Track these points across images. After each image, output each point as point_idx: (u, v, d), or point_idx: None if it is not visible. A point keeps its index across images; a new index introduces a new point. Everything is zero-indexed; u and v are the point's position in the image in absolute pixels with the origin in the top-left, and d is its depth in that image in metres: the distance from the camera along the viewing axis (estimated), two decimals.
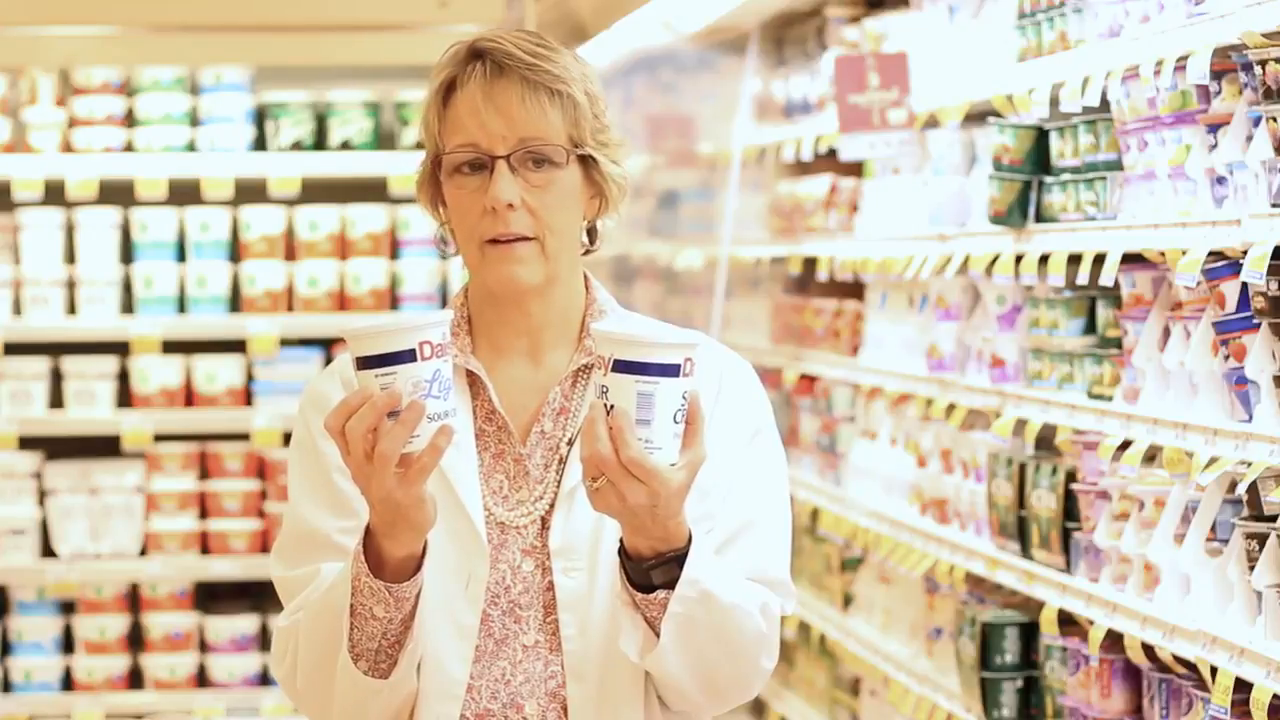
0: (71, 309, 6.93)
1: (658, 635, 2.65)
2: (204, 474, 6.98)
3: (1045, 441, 4.68)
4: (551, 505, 2.78)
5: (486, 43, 2.76)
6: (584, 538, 2.76)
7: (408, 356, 2.53)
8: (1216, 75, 3.71)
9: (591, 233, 2.85)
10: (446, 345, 2.57)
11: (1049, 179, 4.53)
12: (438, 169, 2.79)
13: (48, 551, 6.91)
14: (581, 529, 2.76)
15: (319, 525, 2.79)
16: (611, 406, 2.53)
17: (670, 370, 2.53)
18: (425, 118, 2.80)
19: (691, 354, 2.54)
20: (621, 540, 2.64)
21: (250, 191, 6.94)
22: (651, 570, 2.63)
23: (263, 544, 6.85)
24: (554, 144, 2.74)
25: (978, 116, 5.03)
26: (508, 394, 2.81)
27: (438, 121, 2.77)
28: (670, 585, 2.63)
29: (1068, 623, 4.44)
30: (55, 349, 6.92)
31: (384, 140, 7.07)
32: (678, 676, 2.70)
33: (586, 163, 2.78)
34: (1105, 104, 4.19)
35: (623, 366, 2.52)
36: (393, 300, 6.96)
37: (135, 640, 6.98)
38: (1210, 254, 3.72)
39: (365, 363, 2.54)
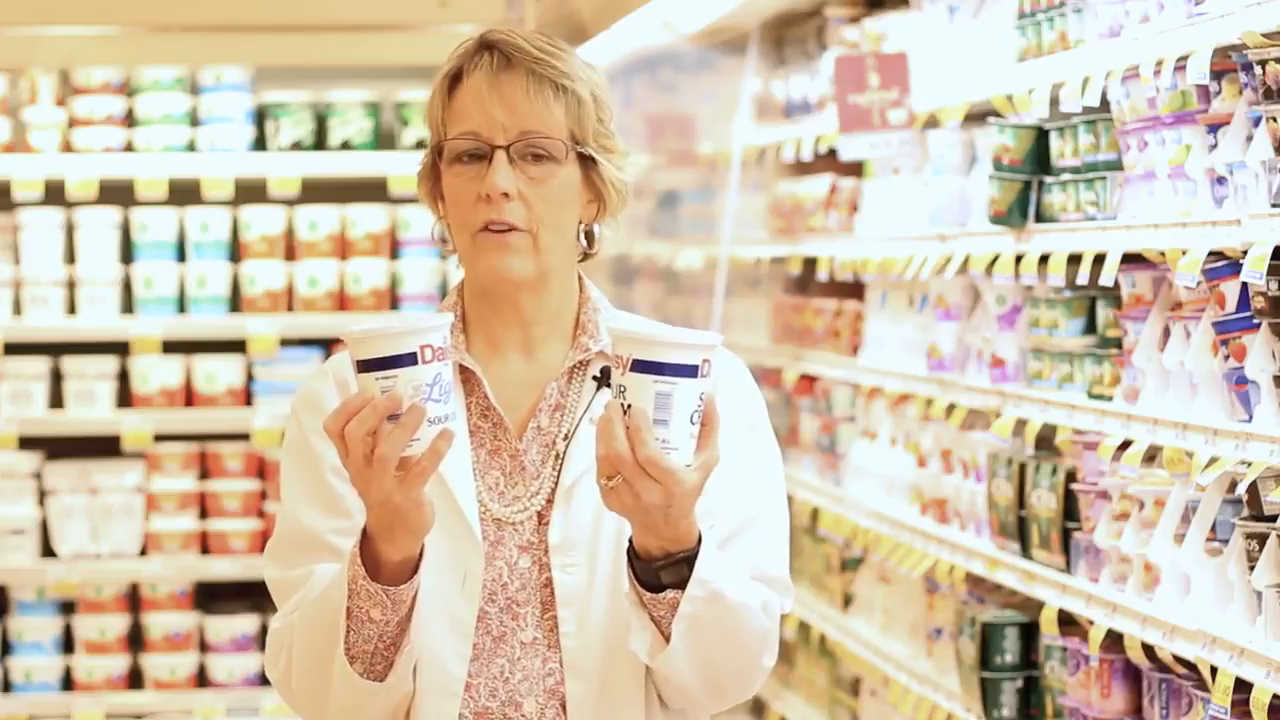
0: (71, 309, 6.93)
1: (665, 634, 2.65)
2: (204, 474, 6.98)
3: (1045, 441, 4.68)
4: (548, 501, 2.78)
5: (497, 35, 2.77)
6: (583, 533, 2.76)
7: (408, 360, 2.53)
8: (1216, 75, 3.71)
9: (589, 236, 2.85)
10: (447, 348, 2.57)
11: (1049, 179, 4.53)
12: (439, 160, 2.80)
13: (48, 551, 6.91)
14: (580, 525, 2.76)
15: (312, 525, 2.78)
16: (629, 406, 2.53)
17: (689, 371, 2.53)
18: (429, 107, 2.81)
19: (710, 355, 2.55)
20: (630, 540, 2.64)
21: (250, 191, 6.94)
22: (661, 570, 2.63)
23: (263, 544, 6.81)
24: (554, 138, 2.75)
25: (978, 116, 5.03)
26: (502, 390, 2.81)
27: (441, 110, 2.78)
28: (679, 585, 2.63)
29: (1068, 623, 4.44)
30: (55, 349, 6.92)
31: (384, 140, 7.07)
32: (684, 675, 2.70)
33: (586, 164, 2.79)
34: (1105, 104, 4.18)
35: (641, 366, 2.53)
36: (393, 300, 6.96)
37: (135, 640, 6.98)
38: (1210, 254, 3.72)
39: (365, 365, 2.54)
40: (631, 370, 2.53)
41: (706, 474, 2.57)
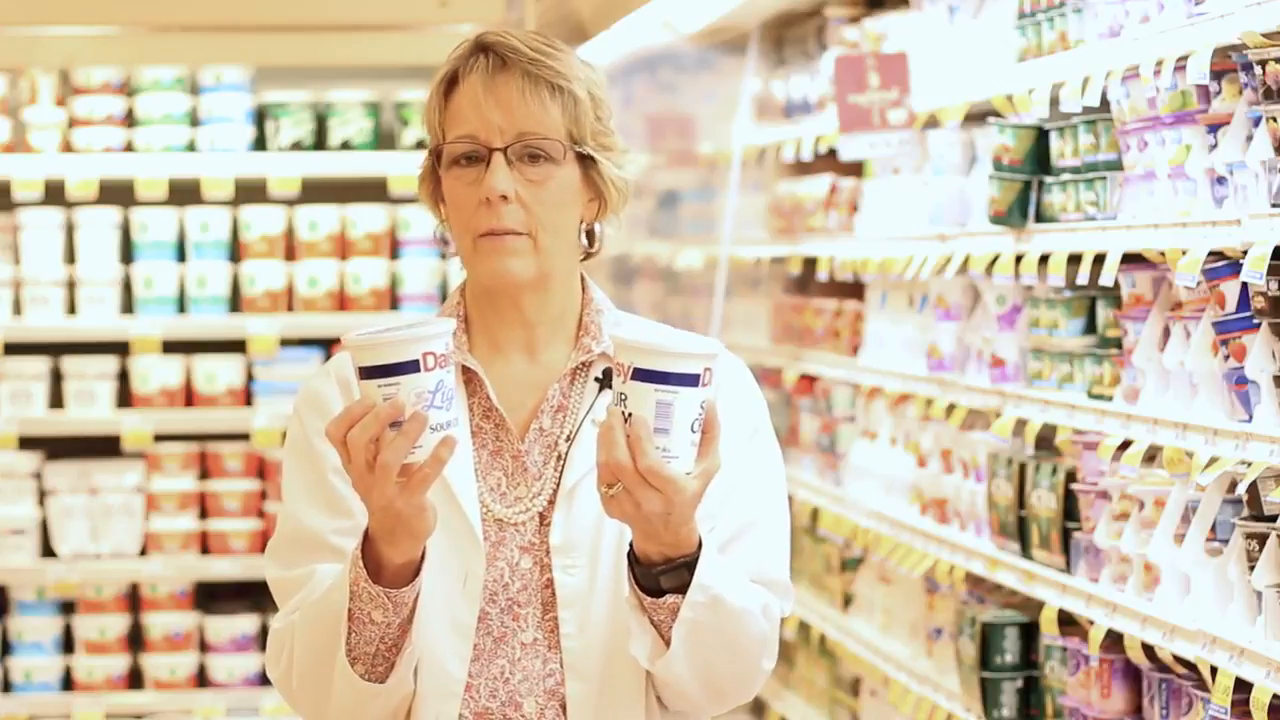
0: (71, 309, 6.93)
1: (665, 638, 2.65)
2: (204, 474, 6.99)
3: (1045, 441, 4.68)
4: (550, 502, 2.78)
5: (492, 37, 2.77)
6: (584, 535, 2.76)
7: (411, 368, 2.52)
8: (1216, 75, 3.71)
9: (590, 235, 2.85)
10: (450, 355, 2.56)
11: (1049, 179, 4.53)
12: (438, 163, 2.80)
13: (48, 551, 6.91)
14: (582, 526, 2.76)
15: (314, 525, 2.78)
16: (630, 414, 2.52)
17: (690, 380, 2.52)
18: (427, 111, 2.81)
19: (711, 364, 2.54)
20: (631, 545, 2.64)
21: (250, 191, 6.94)
22: (661, 575, 2.63)
23: (263, 544, 6.85)
24: (552, 139, 2.74)
25: (978, 116, 5.03)
26: (505, 391, 2.81)
27: (438, 114, 2.78)
28: (679, 590, 2.63)
29: (1068, 623, 4.44)
30: (55, 349, 6.93)
31: (384, 140, 7.08)
32: (684, 680, 2.70)
33: (586, 163, 2.78)
34: (1105, 104, 4.18)
35: (643, 375, 2.52)
36: (393, 300, 6.97)
37: (135, 640, 6.99)
38: (1210, 254, 3.72)
39: (368, 373, 2.53)
40: (633, 379, 2.53)
41: (707, 481, 2.57)
